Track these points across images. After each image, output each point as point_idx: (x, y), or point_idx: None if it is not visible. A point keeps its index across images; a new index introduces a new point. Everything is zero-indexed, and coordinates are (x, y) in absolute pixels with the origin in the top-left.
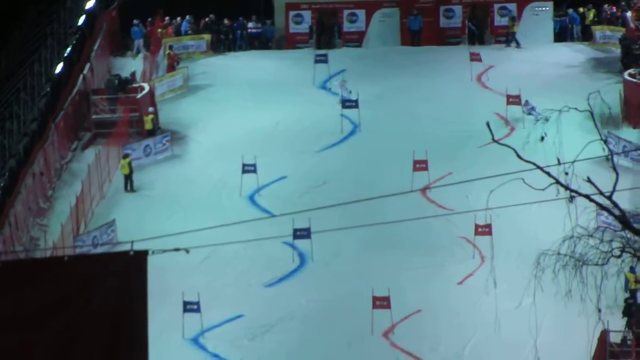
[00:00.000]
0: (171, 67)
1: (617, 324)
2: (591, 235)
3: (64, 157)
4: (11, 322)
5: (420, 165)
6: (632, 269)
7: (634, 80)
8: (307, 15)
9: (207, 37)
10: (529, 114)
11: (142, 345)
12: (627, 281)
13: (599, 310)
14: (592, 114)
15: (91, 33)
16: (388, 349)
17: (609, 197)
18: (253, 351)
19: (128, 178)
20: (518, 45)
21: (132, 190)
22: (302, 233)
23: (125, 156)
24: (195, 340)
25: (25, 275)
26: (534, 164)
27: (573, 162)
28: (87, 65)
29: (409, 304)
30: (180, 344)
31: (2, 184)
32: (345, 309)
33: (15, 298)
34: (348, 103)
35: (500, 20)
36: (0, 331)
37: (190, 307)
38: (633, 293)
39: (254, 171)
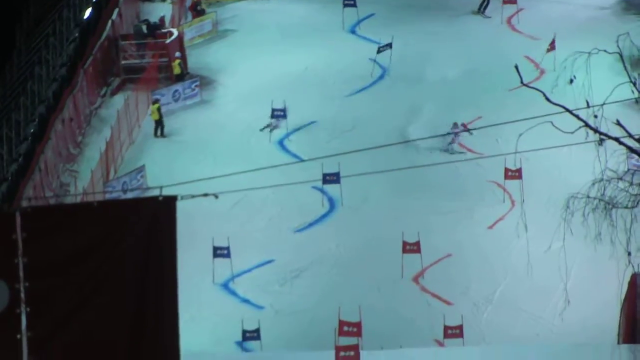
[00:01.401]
0: (193, 12)
1: None
2: (621, 178)
3: (93, 102)
4: (41, 268)
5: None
6: None
7: None
8: None
9: None
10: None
11: (172, 290)
12: None
13: (629, 254)
14: (621, 56)
15: None
16: (418, 293)
17: (639, 140)
18: (283, 296)
19: (158, 123)
20: None
21: (162, 135)
22: (331, 178)
23: (155, 102)
24: (225, 286)
25: (55, 221)
26: (563, 107)
27: (602, 104)
28: (116, 11)
29: (439, 249)
30: (210, 289)
31: (32, 130)
32: (375, 254)
33: (45, 244)
34: (381, 48)
35: None
36: (30, 277)
37: (220, 252)
38: None
39: (284, 116)
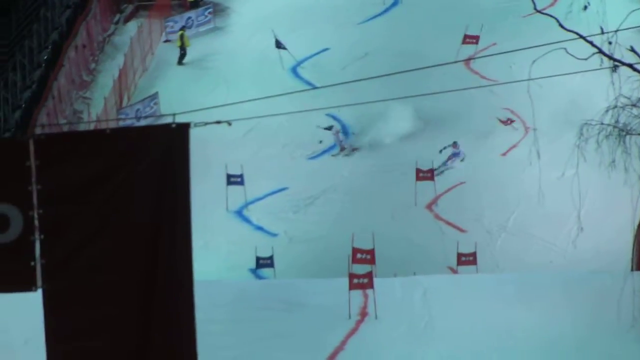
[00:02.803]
0: None
1: None
2: (635, 105)
3: (106, 29)
4: (54, 195)
5: (470, 40)
6: None
7: None
8: None
9: None
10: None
11: (185, 217)
12: None
13: None
14: None
15: None
16: (431, 220)
17: None
18: (297, 223)
19: (182, 50)
20: None
21: (181, 63)
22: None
23: (181, 29)
24: (239, 213)
25: (68, 148)
26: (577, 33)
27: (616, 31)
28: None
29: (452, 176)
30: (224, 216)
31: (45, 57)
32: (388, 181)
33: (59, 171)
34: None
35: None
36: (44, 204)
37: (234, 179)
38: None
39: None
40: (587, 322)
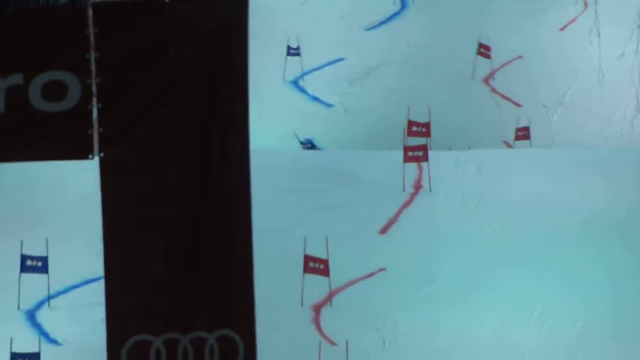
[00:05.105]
0: None
1: None
2: None
3: None
4: (112, 63)
5: None
6: None
7: None
8: None
9: None
10: None
11: (243, 86)
12: None
13: None
14: None
15: None
16: (488, 94)
17: None
18: (352, 96)
19: None
20: None
21: None
22: None
23: None
24: (295, 83)
25: (127, 16)
26: None
27: None
28: None
29: (510, 50)
30: (280, 85)
31: None
32: (446, 54)
33: (117, 39)
34: None
35: None
36: (102, 72)
37: (292, 51)
38: None
39: None
40: None
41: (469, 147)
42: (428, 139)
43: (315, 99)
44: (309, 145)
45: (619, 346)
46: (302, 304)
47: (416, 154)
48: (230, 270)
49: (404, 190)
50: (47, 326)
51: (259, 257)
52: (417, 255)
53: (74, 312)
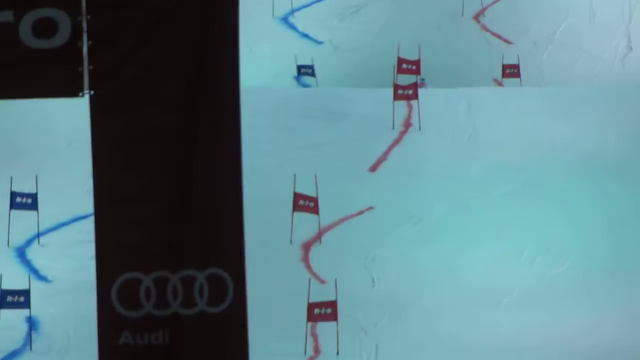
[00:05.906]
0: None
1: None
2: None
3: None
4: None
5: None
6: None
7: None
8: None
9: None
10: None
11: (233, 17)
12: None
13: None
14: None
15: None
16: (478, 32)
17: None
18: (342, 32)
19: None
20: None
21: None
22: None
23: None
24: (285, 20)
25: None
26: None
27: None
28: None
29: None
30: (269, 23)
31: None
32: None
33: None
34: None
35: None
36: (93, 9)
37: None
38: None
39: None
40: (630, 136)
41: (459, 85)
42: (418, 76)
43: (305, 35)
44: (309, 69)
45: (619, 286)
46: (291, 242)
47: (406, 92)
48: (220, 208)
49: (393, 128)
50: (37, 263)
51: (248, 195)
52: (406, 194)
53: (64, 249)
